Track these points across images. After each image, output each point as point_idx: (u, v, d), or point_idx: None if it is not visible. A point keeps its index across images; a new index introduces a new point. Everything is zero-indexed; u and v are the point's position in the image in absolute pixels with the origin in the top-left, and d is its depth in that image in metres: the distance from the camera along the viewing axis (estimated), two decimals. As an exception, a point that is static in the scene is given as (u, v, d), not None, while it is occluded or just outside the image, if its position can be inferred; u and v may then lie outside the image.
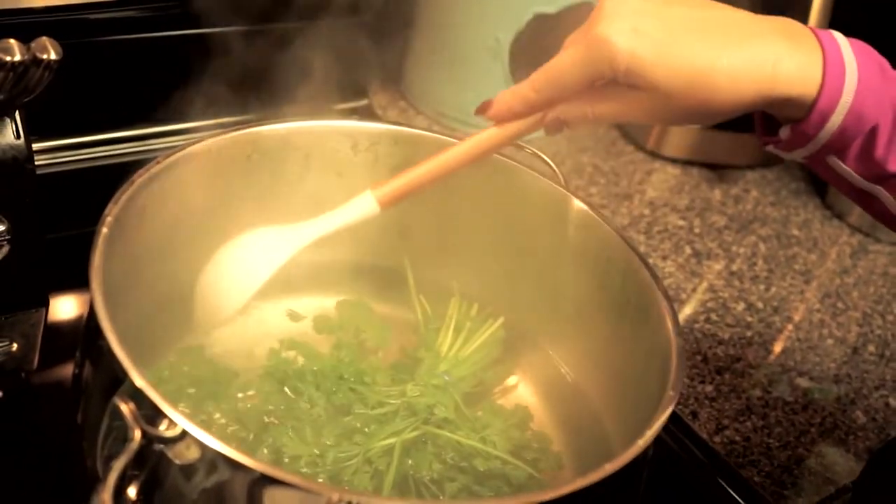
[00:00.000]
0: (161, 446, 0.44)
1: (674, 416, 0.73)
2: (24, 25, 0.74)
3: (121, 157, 0.87)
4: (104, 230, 0.53)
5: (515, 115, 0.57)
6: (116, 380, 0.46)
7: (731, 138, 1.12)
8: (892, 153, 0.53)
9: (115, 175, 0.58)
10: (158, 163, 0.59)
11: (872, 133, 0.52)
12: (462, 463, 0.60)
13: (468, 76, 1.03)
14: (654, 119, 0.54)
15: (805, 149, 0.54)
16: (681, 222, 1.01)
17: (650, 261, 0.62)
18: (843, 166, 0.54)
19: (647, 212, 1.02)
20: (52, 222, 0.71)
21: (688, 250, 0.97)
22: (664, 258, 0.95)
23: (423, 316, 0.70)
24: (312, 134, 0.69)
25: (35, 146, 0.70)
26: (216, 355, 0.64)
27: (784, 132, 0.54)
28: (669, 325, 0.57)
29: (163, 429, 0.43)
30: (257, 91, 0.82)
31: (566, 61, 0.53)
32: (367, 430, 0.60)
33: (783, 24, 0.53)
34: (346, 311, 0.70)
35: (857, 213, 1.07)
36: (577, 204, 0.66)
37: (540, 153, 0.69)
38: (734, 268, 0.96)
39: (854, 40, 0.53)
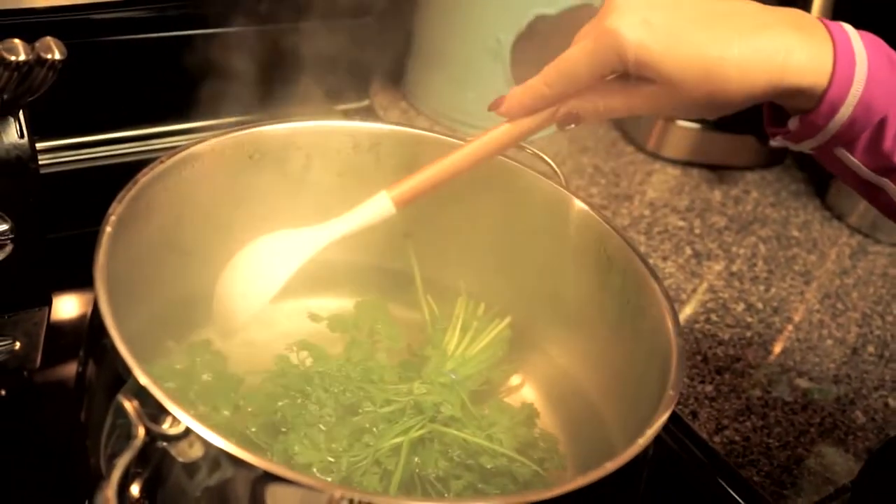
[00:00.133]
0: (164, 444, 0.44)
1: (674, 416, 0.74)
2: (28, 25, 0.75)
3: (124, 156, 0.87)
4: (108, 229, 0.53)
5: (527, 111, 0.57)
6: (120, 378, 0.46)
7: (732, 139, 1.12)
8: None
9: (119, 175, 0.58)
10: (162, 162, 0.60)
11: (881, 125, 0.52)
12: (468, 461, 0.60)
13: (469, 77, 1.03)
14: (665, 111, 0.54)
15: (814, 140, 0.54)
16: (681, 223, 1.02)
17: (650, 261, 0.62)
18: (851, 158, 0.54)
19: (647, 212, 1.02)
20: (55, 222, 0.71)
21: (688, 251, 0.97)
22: (664, 259, 0.95)
23: (430, 315, 0.70)
24: (314, 134, 0.69)
25: (38, 146, 0.70)
26: (225, 355, 0.64)
27: (793, 123, 0.54)
28: (670, 325, 0.57)
29: (166, 426, 0.43)
30: (260, 91, 0.82)
31: (577, 55, 0.53)
32: (375, 429, 0.60)
33: (793, 15, 0.53)
34: (365, 310, 0.70)
35: (856, 214, 1.07)
36: (578, 204, 0.67)
37: (541, 154, 0.69)
38: (734, 268, 0.96)
39: (864, 32, 0.53)
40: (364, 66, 1.00)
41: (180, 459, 0.44)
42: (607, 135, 1.14)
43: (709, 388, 0.79)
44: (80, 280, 0.62)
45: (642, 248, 0.95)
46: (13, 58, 0.59)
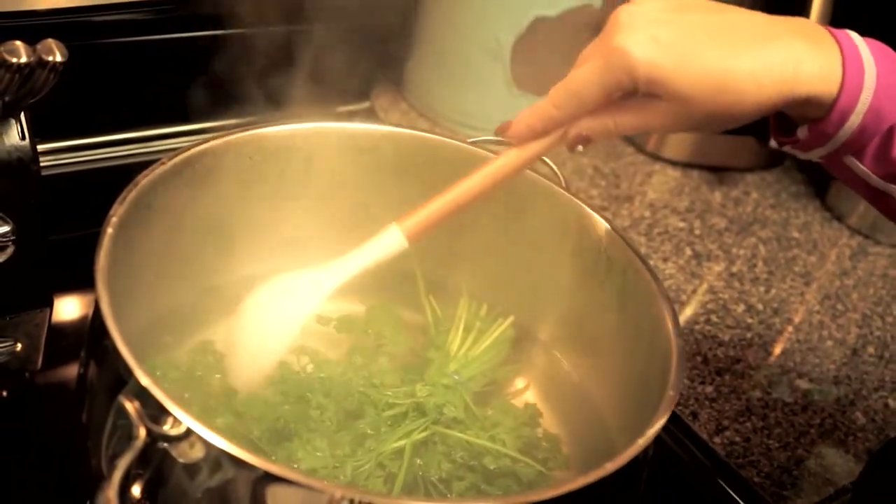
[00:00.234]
0: (165, 445, 0.44)
1: (674, 417, 0.74)
2: (30, 27, 0.75)
3: (125, 158, 0.87)
4: (109, 230, 0.53)
5: (536, 134, 0.56)
6: (121, 379, 0.46)
7: (731, 141, 1.12)
8: None
9: (119, 176, 0.58)
10: (163, 164, 0.60)
11: (890, 132, 0.52)
12: (472, 462, 0.60)
13: (469, 78, 1.03)
14: (676, 127, 0.53)
15: (823, 148, 0.54)
16: (681, 224, 1.02)
17: (651, 262, 0.63)
18: (860, 166, 0.54)
19: (647, 214, 1.02)
20: (56, 223, 0.72)
21: (688, 252, 0.97)
22: (665, 260, 0.95)
23: (432, 317, 0.70)
24: (315, 135, 0.69)
25: (40, 147, 0.70)
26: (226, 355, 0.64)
27: (802, 132, 0.54)
28: (670, 326, 0.57)
29: (167, 427, 0.44)
30: (260, 93, 0.82)
31: (585, 75, 0.52)
32: (378, 433, 0.60)
33: (800, 25, 0.53)
34: (375, 315, 0.70)
35: (856, 216, 1.08)
36: (579, 206, 0.67)
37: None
38: (734, 269, 0.96)
39: (870, 39, 0.53)
40: (365, 68, 1.00)
41: (181, 460, 0.44)
42: (607, 136, 1.14)
43: (709, 388, 0.79)
44: (82, 281, 0.62)
45: (643, 250, 0.95)
46: (15, 60, 0.59)
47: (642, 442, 0.48)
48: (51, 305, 0.74)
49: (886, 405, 0.82)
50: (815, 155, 0.55)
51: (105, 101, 0.86)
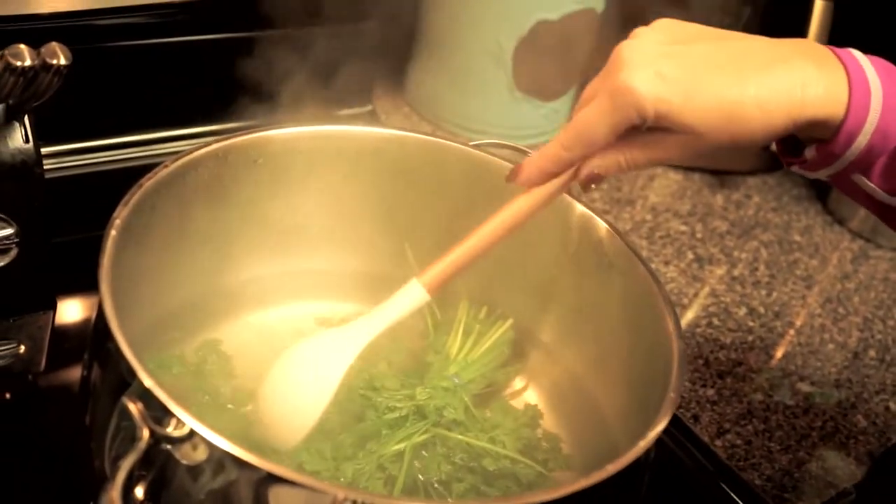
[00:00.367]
0: (168, 446, 0.44)
1: (675, 420, 0.74)
2: (34, 31, 0.75)
3: (128, 161, 0.87)
4: (113, 233, 0.54)
5: (547, 177, 0.56)
6: (124, 381, 0.46)
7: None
8: None
9: (123, 179, 0.58)
10: (166, 167, 0.60)
11: None
12: (471, 463, 0.60)
13: (471, 82, 1.03)
14: (687, 158, 0.53)
15: (831, 168, 0.54)
16: (683, 227, 1.02)
17: (652, 266, 0.63)
18: (868, 183, 0.54)
19: (649, 217, 1.02)
20: (59, 226, 0.72)
21: (690, 255, 0.97)
22: (666, 263, 0.95)
23: (431, 321, 0.70)
24: (317, 139, 0.69)
25: (43, 150, 0.70)
26: (230, 356, 0.64)
27: (809, 153, 0.54)
28: (671, 329, 0.57)
29: (170, 429, 0.44)
30: (263, 96, 0.82)
31: (593, 115, 0.52)
32: (378, 436, 0.60)
33: (805, 47, 0.52)
34: None
35: (858, 219, 1.08)
36: (580, 209, 0.67)
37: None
38: (736, 273, 0.96)
39: (874, 58, 0.53)
40: (366, 72, 1.01)
41: (184, 462, 0.44)
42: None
43: (710, 391, 0.80)
44: (85, 284, 0.63)
45: (644, 253, 0.95)
46: (19, 63, 0.60)
47: (643, 444, 0.48)
48: (54, 308, 0.74)
49: (888, 408, 0.82)
50: (822, 174, 0.55)
51: (109, 104, 0.86)
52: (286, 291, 0.72)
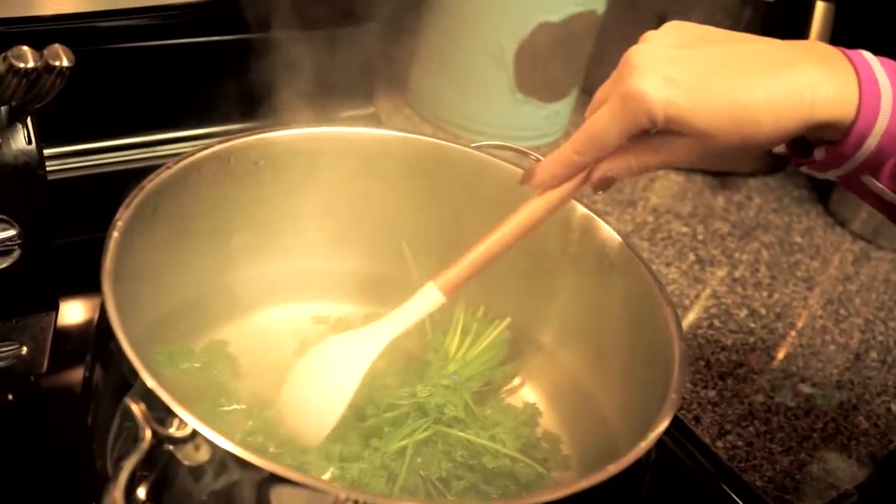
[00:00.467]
0: (171, 447, 0.44)
1: (677, 421, 0.74)
2: (37, 33, 0.75)
3: (131, 163, 0.87)
4: (115, 234, 0.54)
5: (560, 180, 0.57)
6: (126, 382, 0.46)
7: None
8: None
9: (125, 181, 0.58)
10: (168, 168, 0.60)
11: None
12: (472, 461, 0.61)
13: (473, 84, 1.03)
14: (698, 160, 0.53)
15: (840, 169, 0.54)
16: (684, 229, 1.02)
17: (653, 267, 0.63)
18: (877, 183, 0.54)
19: (650, 218, 1.02)
20: (62, 227, 0.72)
21: (691, 257, 0.98)
22: (668, 265, 0.95)
23: (429, 319, 0.70)
24: (319, 140, 0.69)
25: (46, 152, 0.70)
26: (235, 356, 0.65)
27: (819, 154, 0.54)
28: (672, 330, 0.57)
29: (173, 429, 0.44)
30: (265, 98, 0.83)
31: (604, 120, 0.52)
32: (381, 433, 0.61)
33: (815, 49, 0.52)
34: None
35: (859, 221, 1.08)
36: (582, 210, 0.67)
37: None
38: (737, 274, 0.96)
39: (884, 59, 0.53)
40: (368, 73, 1.01)
41: (186, 462, 0.44)
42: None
43: (712, 393, 0.80)
44: (87, 285, 0.63)
45: (645, 255, 0.95)
46: (22, 65, 0.60)
47: (644, 445, 0.48)
48: (56, 309, 0.74)
49: (889, 410, 0.82)
50: (831, 175, 0.55)
51: (111, 106, 0.86)
52: (288, 292, 0.72)
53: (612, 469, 0.46)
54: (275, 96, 0.82)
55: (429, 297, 0.59)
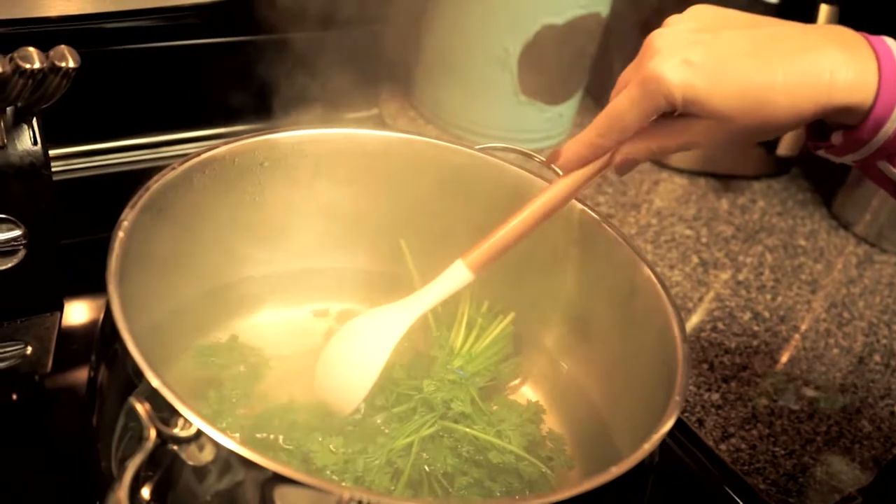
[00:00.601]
0: (175, 447, 0.44)
1: (680, 424, 0.74)
2: (43, 34, 0.75)
3: (136, 163, 0.88)
4: (121, 234, 0.54)
5: (584, 161, 0.59)
6: (131, 382, 0.47)
7: (739, 149, 1.12)
8: None
9: (130, 182, 0.59)
10: (173, 169, 0.60)
11: None
12: (477, 456, 0.61)
13: (477, 86, 1.03)
14: (717, 143, 0.54)
15: (857, 153, 0.55)
16: (688, 232, 1.02)
17: (657, 270, 0.63)
18: (893, 169, 0.55)
19: (654, 221, 1.02)
20: (67, 227, 0.72)
21: (695, 259, 0.98)
22: (671, 267, 0.95)
23: (433, 316, 0.70)
24: (323, 142, 0.70)
25: (51, 152, 0.70)
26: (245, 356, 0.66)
27: (836, 138, 0.55)
28: (676, 332, 0.57)
29: (177, 429, 0.44)
30: (270, 99, 0.83)
31: (624, 103, 0.54)
32: (387, 429, 0.61)
33: (836, 33, 0.53)
34: None
35: (863, 224, 1.08)
36: (585, 213, 0.67)
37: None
38: (741, 277, 0.96)
39: None
40: (372, 75, 1.01)
41: (190, 463, 0.44)
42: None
43: (715, 396, 0.80)
44: (92, 285, 0.63)
45: (649, 257, 0.95)
46: (28, 66, 0.60)
47: (648, 447, 0.48)
48: (61, 309, 0.74)
49: (892, 413, 0.82)
50: (848, 159, 0.56)
51: (116, 107, 0.86)
52: (293, 291, 0.72)
53: (615, 471, 0.46)
54: (279, 98, 0.82)
55: (457, 275, 0.62)
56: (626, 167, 0.58)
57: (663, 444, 0.50)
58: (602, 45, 1.06)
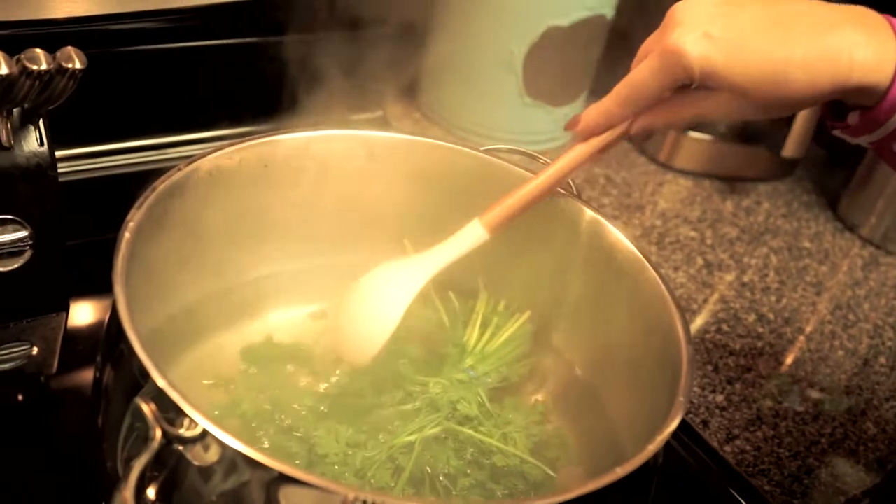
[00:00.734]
0: (181, 447, 0.44)
1: (685, 425, 0.74)
2: (50, 36, 0.76)
3: (142, 165, 0.88)
4: (127, 235, 0.54)
5: (602, 129, 0.59)
6: (137, 382, 0.47)
7: (744, 150, 1.12)
8: None
9: (137, 183, 0.59)
10: (179, 170, 0.60)
11: None
12: (481, 459, 0.61)
13: (482, 88, 1.04)
14: (733, 116, 0.55)
15: (873, 134, 0.55)
16: (693, 233, 1.02)
17: (662, 271, 0.63)
18: None
19: (659, 223, 1.02)
20: (73, 228, 0.72)
21: (699, 261, 0.97)
22: (676, 269, 0.95)
23: (448, 313, 0.70)
24: (328, 143, 0.70)
25: (58, 154, 0.71)
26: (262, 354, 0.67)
27: (853, 118, 0.55)
28: (680, 334, 0.57)
29: (183, 429, 0.44)
30: (275, 101, 0.83)
31: (644, 73, 0.55)
32: (390, 427, 0.61)
33: (857, 13, 0.53)
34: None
35: (868, 226, 1.08)
36: (590, 214, 0.67)
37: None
38: (746, 279, 0.96)
39: None
40: (377, 77, 1.01)
41: (196, 463, 0.45)
42: (619, 146, 1.14)
43: (720, 397, 0.80)
44: (98, 286, 0.63)
45: (654, 259, 0.95)
46: (35, 67, 0.60)
47: (652, 448, 0.48)
48: (67, 310, 0.74)
49: (898, 415, 0.82)
50: (863, 140, 0.56)
51: (123, 108, 0.86)
52: (297, 291, 0.72)
53: (620, 472, 0.46)
54: (284, 100, 0.82)
55: (473, 233, 0.62)
56: (643, 134, 0.59)
57: (668, 446, 0.50)
58: (607, 46, 1.06)
